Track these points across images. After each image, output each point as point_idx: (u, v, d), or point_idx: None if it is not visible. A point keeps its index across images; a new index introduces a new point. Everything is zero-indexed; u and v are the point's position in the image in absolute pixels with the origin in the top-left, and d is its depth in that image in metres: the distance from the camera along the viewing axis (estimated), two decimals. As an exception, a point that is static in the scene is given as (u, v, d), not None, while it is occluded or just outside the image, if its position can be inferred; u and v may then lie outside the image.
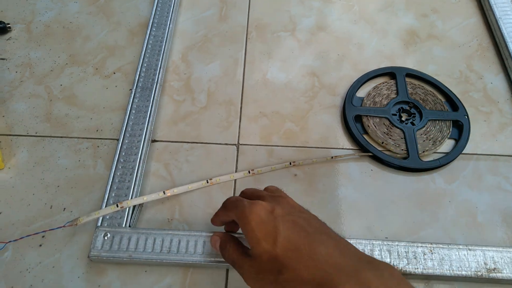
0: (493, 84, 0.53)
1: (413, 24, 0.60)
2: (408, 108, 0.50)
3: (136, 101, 0.48)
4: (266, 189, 0.35)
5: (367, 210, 0.43)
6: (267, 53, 0.56)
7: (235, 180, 0.44)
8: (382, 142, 0.47)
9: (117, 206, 0.40)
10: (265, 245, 0.27)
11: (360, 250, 0.28)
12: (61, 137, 0.48)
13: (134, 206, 0.41)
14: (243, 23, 0.59)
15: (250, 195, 0.33)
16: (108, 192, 0.42)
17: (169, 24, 0.56)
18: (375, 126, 0.48)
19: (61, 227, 0.39)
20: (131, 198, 0.41)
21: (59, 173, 0.45)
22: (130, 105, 0.47)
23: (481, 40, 0.58)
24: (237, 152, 0.46)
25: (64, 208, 0.43)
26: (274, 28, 0.59)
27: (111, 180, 0.42)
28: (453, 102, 0.50)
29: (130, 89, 0.50)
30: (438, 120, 0.48)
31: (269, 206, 0.29)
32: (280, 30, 0.59)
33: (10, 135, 0.48)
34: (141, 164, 0.43)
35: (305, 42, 0.57)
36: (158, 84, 0.50)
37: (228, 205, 0.32)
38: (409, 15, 0.61)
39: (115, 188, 0.42)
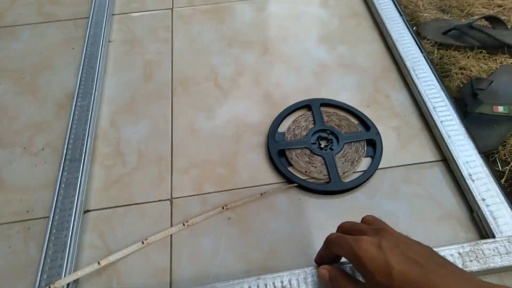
0: (398, 101, 0.59)
1: (324, 57, 0.65)
2: (325, 135, 0.54)
3: (65, 174, 0.49)
4: (363, 220, 0.36)
5: (300, 239, 0.45)
6: (193, 104, 0.59)
7: (171, 235, 0.46)
8: (306, 171, 0.50)
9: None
10: (381, 279, 0.28)
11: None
12: (-10, 225, 0.48)
13: (68, 284, 0.41)
14: (167, 79, 0.63)
15: (349, 229, 0.34)
16: (39, 274, 0.41)
17: (95, 92, 0.58)
18: (298, 157, 0.51)
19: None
20: (64, 276, 0.41)
21: (-11, 264, 0.45)
22: (59, 179, 0.49)
23: (384, 62, 0.64)
24: (171, 207, 0.48)
25: (-3, 300, 0.42)
26: (198, 80, 0.63)
27: (42, 261, 0.42)
28: (365, 123, 0.55)
29: (60, 163, 0.51)
30: (353, 142, 0.53)
31: (375, 240, 0.30)
32: (203, 81, 0.62)
33: None
34: (73, 238, 0.44)
35: (227, 89, 0.61)
36: (86, 154, 0.51)
37: (330, 243, 0.34)
38: (320, 50, 0.66)
39: (47, 268, 0.42)
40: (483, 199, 0.46)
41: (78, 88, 0.59)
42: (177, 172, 0.52)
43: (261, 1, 0.75)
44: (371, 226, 0.34)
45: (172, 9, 0.75)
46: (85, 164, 0.50)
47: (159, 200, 0.49)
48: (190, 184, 0.50)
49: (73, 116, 0.55)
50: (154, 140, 0.55)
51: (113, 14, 0.74)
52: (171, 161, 0.53)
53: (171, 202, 0.49)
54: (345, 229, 0.36)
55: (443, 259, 0.31)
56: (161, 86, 0.62)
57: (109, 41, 0.69)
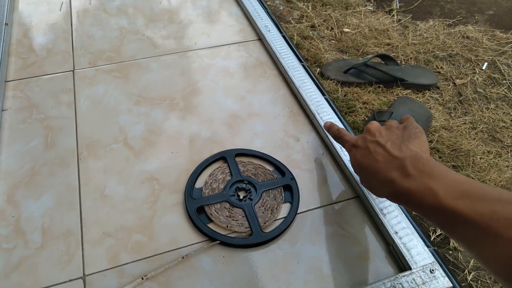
0: (309, 143, 0.62)
1: (233, 108, 0.67)
2: (243, 185, 0.54)
3: (-47, 267, 0.43)
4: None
5: (228, 298, 0.44)
6: (102, 169, 0.56)
7: (86, 317, 0.42)
8: (227, 226, 0.49)
9: None
10: (354, 169, 0.46)
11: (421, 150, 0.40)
12: None
13: None
14: (72, 145, 0.59)
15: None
16: None
17: (-14, 168, 0.52)
18: (217, 212, 0.51)
19: None
20: None
21: None
22: None
23: (291, 107, 0.68)
24: (84, 285, 0.44)
25: None
26: (106, 142, 0.60)
27: None
28: (280, 169, 0.57)
29: None
30: (270, 189, 0.54)
31: (355, 142, 0.45)
32: (111, 143, 0.60)
33: None
34: None
35: (138, 149, 0.59)
36: (-21, 239, 0.45)
37: (338, 139, 0.51)
38: (229, 101, 0.68)
39: None
40: (396, 232, 0.49)
41: (-34, 166, 0.53)
42: (88, 245, 0.48)
43: (166, 57, 0.76)
44: (369, 126, 0.46)
45: (73, 71, 0.72)
46: (-24, 252, 0.44)
47: (70, 280, 0.44)
48: (105, 257, 0.47)
49: (-40, 198, 0.49)
50: (60, 213, 0.51)
51: (6, 81, 0.69)
52: (81, 233, 0.49)
53: (84, 280, 0.44)
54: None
55: (400, 140, 0.41)
56: (65, 153, 0.58)
57: (3, 110, 0.63)
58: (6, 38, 0.77)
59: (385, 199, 0.52)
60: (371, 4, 1.86)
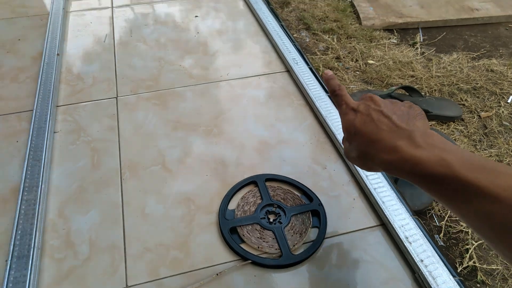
0: (335, 171, 0.65)
1: (263, 135, 0.71)
2: (273, 209, 0.58)
3: (13, 272, 0.47)
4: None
5: (258, 314, 0.47)
6: (142, 189, 0.61)
7: (129, 325, 0.45)
8: (258, 247, 0.53)
9: None
10: (347, 135, 0.42)
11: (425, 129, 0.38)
12: None
13: None
14: (115, 166, 0.64)
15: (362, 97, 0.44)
16: None
17: (41, 185, 0.58)
18: (249, 233, 0.54)
19: None
20: None
21: None
22: (6, 279, 0.47)
23: (318, 136, 0.71)
24: (127, 296, 0.48)
25: None
26: (146, 164, 0.65)
27: None
28: (307, 195, 0.60)
29: (6, 260, 0.50)
30: (299, 213, 0.57)
31: (355, 106, 0.42)
32: (151, 165, 0.65)
33: None
34: None
35: (175, 171, 0.64)
36: (35, 249, 0.50)
37: (335, 97, 0.45)
38: (259, 128, 0.72)
39: None
40: (422, 260, 0.51)
41: (24, 182, 0.58)
42: (131, 259, 0.52)
43: (201, 86, 0.82)
44: (369, 95, 0.43)
45: (116, 97, 0.79)
46: (34, 259, 0.49)
47: (114, 291, 0.48)
48: (145, 270, 0.50)
49: (19, 211, 0.54)
50: (105, 228, 0.55)
51: (57, 106, 0.76)
52: (124, 247, 0.53)
53: (127, 292, 0.48)
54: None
55: (407, 116, 0.39)
56: (109, 173, 0.63)
57: (54, 132, 0.70)
58: (57, 67, 0.84)
59: (409, 226, 0.54)
60: (395, 37, 1.91)
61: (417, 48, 1.83)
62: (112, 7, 1.09)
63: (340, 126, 0.71)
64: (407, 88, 1.52)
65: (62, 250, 0.52)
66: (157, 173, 0.63)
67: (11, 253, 0.49)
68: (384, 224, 0.57)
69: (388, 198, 0.58)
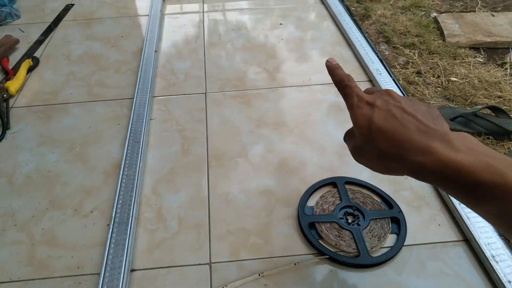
0: (417, 182, 0.64)
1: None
2: (352, 211, 0.58)
3: (114, 235, 0.53)
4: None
5: (332, 308, 0.48)
6: (227, 177, 0.65)
7: (211, 297, 0.49)
8: (336, 244, 0.54)
9: None
10: (363, 131, 0.35)
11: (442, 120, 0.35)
12: (44, 278, 0.51)
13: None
14: (203, 154, 0.69)
15: (368, 91, 0.40)
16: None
17: (139, 163, 0.64)
18: (327, 231, 0.55)
19: None
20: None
21: (41, 316, 0.47)
22: (109, 240, 0.52)
23: (400, 146, 0.71)
24: (210, 271, 0.51)
25: None
26: (230, 155, 0.69)
27: (94, 316, 0.45)
28: (387, 202, 0.60)
29: (108, 225, 0.56)
30: (378, 218, 0.57)
31: (371, 100, 0.37)
32: (235, 156, 0.69)
33: (-9, 285, 0.50)
34: (122, 295, 0.47)
35: (257, 165, 0.67)
36: (133, 217, 0.56)
37: (344, 88, 0.40)
38: (340, 133, 0.74)
39: (98, 323, 0.45)
40: (509, 281, 0.49)
41: (125, 159, 0.65)
42: (214, 239, 0.55)
43: (283, 89, 0.85)
44: (381, 89, 0.39)
45: (205, 93, 0.84)
46: (131, 227, 0.54)
47: (199, 264, 0.52)
48: (227, 250, 0.54)
49: (120, 184, 0.60)
50: (192, 208, 0.60)
51: (153, 96, 0.83)
52: (209, 228, 0.57)
53: (210, 266, 0.52)
54: (366, 90, 0.41)
55: (430, 115, 0.35)
56: (197, 160, 0.68)
57: (150, 119, 0.77)
58: (155, 62, 0.92)
59: (496, 245, 0.52)
60: (481, 56, 1.81)
61: (506, 68, 1.72)
62: (203, 11, 1.17)
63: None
64: (493, 109, 1.44)
65: (154, 222, 0.58)
66: (240, 165, 0.67)
67: (113, 219, 0.55)
68: (468, 240, 0.55)
69: (473, 214, 0.57)
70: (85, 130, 0.74)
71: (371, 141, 0.35)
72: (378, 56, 0.96)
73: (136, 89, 0.82)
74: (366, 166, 0.38)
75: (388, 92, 0.38)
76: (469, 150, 0.31)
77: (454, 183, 0.31)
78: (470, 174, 0.30)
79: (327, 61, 0.43)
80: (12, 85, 0.81)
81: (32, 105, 0.80)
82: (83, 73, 0.89)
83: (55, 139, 0.72)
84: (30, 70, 0.89)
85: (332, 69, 0.42)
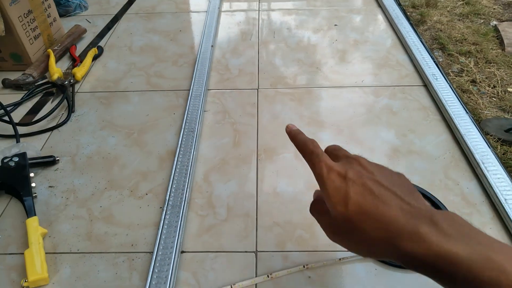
0: (468, 189, 0.62)
1: (394, 142, 0.72)
2: (400, 213, 0.58)
3: (168, 217, 0.56)
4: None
5: (375, 306, 0.48)
6: (275, 171, 0.66)
7: (256, 284, 0.50)
8: (381, 244, 0.54)
9: (152, 313, 0.45)
10: (340, 208, 0.32)
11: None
12: (100, 252, 0.55)
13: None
14: (253, 147, 0.71)
15: (330, 151, 0.39)
16: (144, 300, 0.47)
17: (193, 152, 0.67)
18: (374, 230, 0.55)
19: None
20: (166, 304, 0.46)
21: (98, 285, 0.51)
22: (162, 221, 0.55)
23: (453, 152, 0.69)
24: (256, 259, 0.53)
25: (102, 318, 0.48)
26: (279, 150, 0.70)
27: (147, 289, 0.48)
28: (437, 206, 0.59)
29: (161, 207, 0.59)
30: (427, 222, 0.56)
31: (343, 171, 0.33)
32: (284, 152, 0.70)
33: (55, 253, 0.55)
34: (173, 274, 0.50)
35: (305, 162, 0.68)
36: (185, 202, 0.58)
37: (309, 155, 0.37)
38: (390, 135, 0.73)
39: (150, 296, 0.47)
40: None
41: (180, 147, 0.68)
42: (261, 229, 0.57)
43: (335, 90, 0.85)
44: (348, 154, 0.37)
45: (257, 89, 0.86)
46: (184, 210, 0.57)
47: (245, 251, 0.54)
48: (273, 241, 0.55)
49: (175, 169, 0.63)
50: (241, 198, 0.61)
51: (208, 89, 0.86)
52: (256, 218, 0.58)
53: (256, 255, 0.54)
54: (328, 151, 0.39)
55: (401, 185, 0.33)
56: (247, 152, 0.70)
57: (204, 111, 0.80)
58: (211, 57, 0.95)
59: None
60: (544, 68, 1.71)
61: None
62: (259, 10, 1.19)
63: (479, 146, 0.68)
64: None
65: (204, 208, 0.60)
66: (289, 160, 0.68)
67: (166, 202, 0.59)
68: (522, 252, 0.53)
69: (529, 226, 0.55)
70: (143, 118, 0.78)
71: (350, 221, 0.32)
72: (434, 61, 0.93)
73: (193, 81, 0.86)
74: (345, 247, 0.35)
75: (357, 160, 0.36)
76: (462, 237, 0.27)
77: (450, 277, 0.27)
78: (469, 270, 0.26)
79: (287, 127, 0.42)
80: (79, 72, 0.87)
81: (96, 91, 0.86)
82: (143, 63, 0.94)
83: (115, 124, 0.76)
84: (95, 58, 0.95)
85: (294, 135, 0.41)
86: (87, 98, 0.84)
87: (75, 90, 0.85)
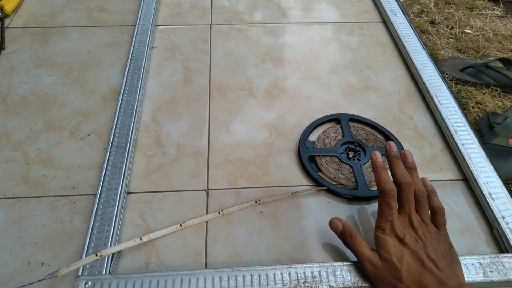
0: (421, 123, 0.63)
1: (351, 79, 0.70)
2: (353, 147, 0.57)
3: (112, 158, 0.52)
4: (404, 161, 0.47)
5: (327, 237, 0.48)
6: (228, 109, 0.63)
7: (207, 221, 0.49)
8: (335, 177, 0.53)
9: (96, 255, 0.43)
10: (395, 260, 0.39)
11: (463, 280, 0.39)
12: (38, 196, 0.51)
13: (113, 254, 0.44)
14: (205, 85, 0.67)
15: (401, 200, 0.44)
16: (87, 243, 0.44)
17: (139, 90, 0.62)
18: (327, 164, 0.55)
19: (40, 280, 0.41)
20: (110, 246, 0.44)
21: (36, 230, 0.47)
22: (106, 162, 0.52)
23: (408, 88, 0.69)
24: (207, 197, 0.51)
25: (43, 263, 0.45)
26: (233, 88, 0.67)
27: (90, 232, 0.45)
28: (390, 140, 0.59)
29: (105, 148, 0.55)
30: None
31: (401, 234, 0.40)
32: (238, 89, 0.67)
33: (-12, 199, 0.50)
34: (118, 215, 0.47)
35: (261, 98, 0.65)
36: (131, 142, 0.55)
37: (391, 210, 0.43)
38: (348, 72, 0.71)
39: (94, 238, 0.45)
40: (503, 217, 0.49)
41: (125, 85, 0.63)
42: (213, 167, 0.55)
43: (293, 26, 0.81)
44: (409, 210, 0.42)
45: (211, 25, 0.80)
46: (129, 151, 0.53)
47: (196, 190, 0.52)
48: (225, 179, 0.53)
49: (119, 109, 0.59)
50: (192, 136, 0.58)
51: (156, 25, 0.79)
52: (208, 156, 0.56)
53: (207, 193, 0.52)
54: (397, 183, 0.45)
55: (450, 260, 0.39)
56: (199, 91, 0.66)
57: (152, 48, 0.74)
58: (159, -11, 0.87)
59: (495, 184, 0.52)
60: (500, 9, 1.73)
61: (524, 23, 1.65)
62: None
63: (433, 80, 0.67)
64: (505, 61, 1.39)
65: (152, 148, 0.57)
66: (243, 98, 0.65)
67: (110, 143, 0.55)
68: (467, 180, 0.55)
69: (476, 155, 0.56)
70: (84, 55, 0.71)
71: (398, 273, 0.38)
72: (394, -3, 0.90)
73: (139, 15, 0.78)
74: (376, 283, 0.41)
75: (411, 223, 0.41)
76: None
77: None
78: None
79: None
80: (8, 4, 0.77)
81: (29, 26, 0.77)
82: (82, -3, 0.85)
83: (52, 62, 0.69)
84: (27, -9, 0.85)
85: (377, 168, 0.47)
86: (19, 34, 0.75)
87: (5, 26, 0.76)
